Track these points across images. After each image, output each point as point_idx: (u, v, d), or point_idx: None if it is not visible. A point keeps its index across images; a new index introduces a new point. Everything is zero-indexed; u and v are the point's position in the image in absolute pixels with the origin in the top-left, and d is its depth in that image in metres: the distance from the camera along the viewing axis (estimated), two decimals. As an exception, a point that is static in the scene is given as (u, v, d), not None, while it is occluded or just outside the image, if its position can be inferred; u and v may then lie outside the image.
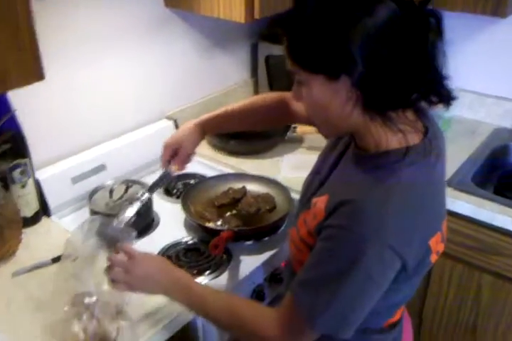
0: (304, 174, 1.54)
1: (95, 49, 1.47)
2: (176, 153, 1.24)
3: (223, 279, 1.24)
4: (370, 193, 0.81)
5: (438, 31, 0.78)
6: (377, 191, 0.81)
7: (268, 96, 1.29)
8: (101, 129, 1.57)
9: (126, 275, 0.97)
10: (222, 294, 1.01)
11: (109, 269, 0.99)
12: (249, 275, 1.27)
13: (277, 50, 1.96)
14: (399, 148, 0.84)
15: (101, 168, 1.49)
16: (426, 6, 0.79)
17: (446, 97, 0.84)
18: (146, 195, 1.20)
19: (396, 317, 1.02)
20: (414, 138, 0.85)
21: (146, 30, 1.61)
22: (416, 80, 0.79)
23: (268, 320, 0.88)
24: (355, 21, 0.75)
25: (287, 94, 1.17)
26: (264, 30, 2.03)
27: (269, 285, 1.36)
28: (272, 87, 2.04)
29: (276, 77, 2.02)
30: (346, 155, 0.95)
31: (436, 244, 0.88)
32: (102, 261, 1.13)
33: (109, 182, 1.43)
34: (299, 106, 1.15)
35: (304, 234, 0.91)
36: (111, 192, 1.38)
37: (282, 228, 1.42)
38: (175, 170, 1.24)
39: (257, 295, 1.30)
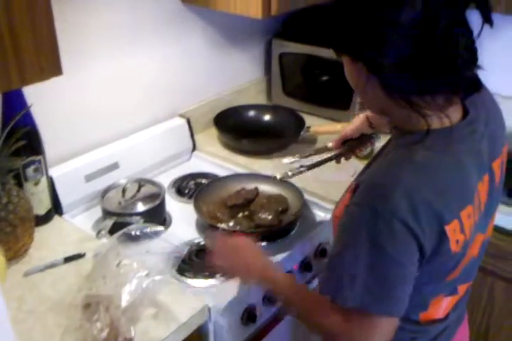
0: (316, 174, 1.54)
1: (111, 45, 1.47)
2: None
3: (235, 281, 1.22)
4: (384, 172, 0.86)
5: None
6: (390, 170, 0.85)
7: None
8: (114, 127, 1.56)
9: (226, 262, 1.08)
10: (302, 295, 1.01)
11: (208, 254, 1.10)
12: (261, 278, 1.26)
13: (291, 47, 1.94)
14: (421, 130, 0.85)
15: (114, 166, 1.48)
16: None
17: (471, 85, 0.86)
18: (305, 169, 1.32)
19: (436, 314, 1.00)
20: (442, 122, 0.86)
21: (162, 26, 1.59)
22: (436, 69, 0.80)
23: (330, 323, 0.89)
24: (383, 11, 0.78)
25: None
26: (279, 27, 2.01)
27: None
28: (284, 85, 2.03)
29: (289, 75, 2.01)
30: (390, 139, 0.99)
31: (454, 232, 0.86)
32: (116, 261, 1.14)
33: (122, 181, 1.42)
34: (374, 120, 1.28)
35: (338, 213, 0.96)
36: (124, 191, 1.37)
37: (295, 230, 1.41)
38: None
39: (269, 298, 1.29)
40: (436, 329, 1.02)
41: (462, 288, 1.02)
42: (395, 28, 0.78)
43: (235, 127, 1.79)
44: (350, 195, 0.90)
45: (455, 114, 0.88)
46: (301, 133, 1.77)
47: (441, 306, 0.99)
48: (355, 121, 1.34)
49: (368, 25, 0.80)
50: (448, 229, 0.84)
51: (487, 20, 0.81)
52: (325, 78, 1.95)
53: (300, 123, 1.80)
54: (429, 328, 1.01)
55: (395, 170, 0.84)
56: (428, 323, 1.00)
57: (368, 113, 1.31)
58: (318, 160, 1.35)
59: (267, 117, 1.90)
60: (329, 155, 1.36)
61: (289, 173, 1.33)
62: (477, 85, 0.88)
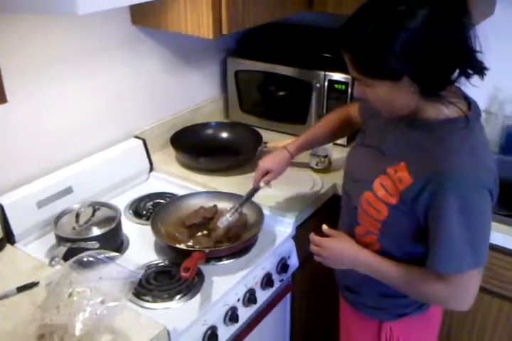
0: (275, 190, 1.54)
1: (59, 69, 1.45)
2: (266, 173, 1.43)
3: (195, 302, 1.21)
4: (456, 162, 0.99)
5: (466, 14, 0.94)
6: (460, 159, 0.99)
7: (338, 114, 1.48)
8: (67, 151, 1.54)
9: (325, 254, 1.21)
10: (398, 270, 1.13)
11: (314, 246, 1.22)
12: (222, 297, 1.25)
13: (246, 65, 1.97)
14: (458, 116, 1.02)
15: (68, 191, 1.46)
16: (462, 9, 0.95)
17: (480, 69, 0.99)
18: (239, 207, 1.41)
19: None
20: (465, 107, 1.04)
21: (113, 48, 1.59)
22: (457, 63, 0.97)
23: (438, 290, 1.08)
24: (399, 29, 0.91)
25: (349, 108, 1.45)
26: (234, 45, 2.03)
27: (244, 306, 1.34)
28: (241, 102, 2.04)
29: (246, 91, 2.03)
30: (400, 128, 1.10)
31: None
32: (69, 289, 1.11)
33: (76, 206, 1.39)
34: (354, 113, 1.39)
35: (384, 195, 1.09)
36: (77, 215, 1.34)
37: (255, 246, 1.40)
38: (263, 186, 1.44)
39: (231, 317, 1.28)
40: None
41: None
42: (426, 35, 0.92)
43: (192, 146, 1.78)
44: (408, 178, 1.03)
45: (464, 102, 1.06)
46: (259, 149, 1.78)
47: None
48: (277, 155, 1.46)
49: (395, 51, 0.93)
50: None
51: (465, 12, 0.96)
52: (281, 94, 1.97)
53: (257, 139, 1.80)
54: None
55: (465, 158, 1.00)
56: None
57: (288, 146, 1.46)
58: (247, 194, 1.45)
59: (224, 134, 1.91)
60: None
61: (229, 217, 1.40)
62: (484, 67, 1.00)
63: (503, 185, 1.79)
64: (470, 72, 0.99)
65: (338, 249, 1.21)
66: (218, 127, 1.92)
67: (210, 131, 1.91)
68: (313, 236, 1.22)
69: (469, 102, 1.08)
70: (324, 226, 1.24)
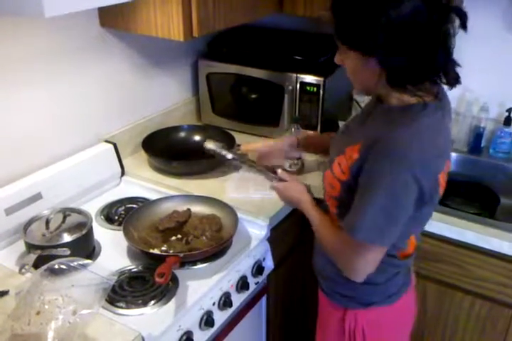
0: (248, 193, 1.55)
1: (24, 72, 1.42)
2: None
3: (170, 307, 1.20)
4: (397, 132, 1.02)
5: (455, 24, 0.99)
6: (402, 131, 1.02)
7: None
8: (35, 156, 1.51)
9: (282, 189, 1.36)
10: (329, 229, 1.20)
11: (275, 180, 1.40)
12: (197, 302, 1.24)
13: (218, 67, 1.96)
14: (417, 103, 1.05)
15: (37, 197, 1.42)
16: (450, 3, 0.98)
17: (453, 80, 1.05)
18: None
19: (408, 250, 1.22)
20: (429, 98, 1.07)
21: (81, 50, 1.56)
22: (428, 64, 1.00)
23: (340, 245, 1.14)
24: (382, 14, 0.95)
25: None
26: (205, 47, 2.02)
27: (220, 310, 1.33)
28: (213, 105, 2.03)
29: (218, 94, 2.02)
30: (373, 115, 1.15)
31: (443, 180, 1.11)
32: (40, 297, 1.09)
33: (46, 212, 1.36)
34: None
35: (338, 172, 1.14)
36: (47, 222, 1.31)
37: (230, 249, 1.40)
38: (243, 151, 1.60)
39: (206, 321, 1.27)
40: (409, 263, 1.28)
41: None
42: (404, 28, 0.95)
43: (165, 149, 1.77)
44: (356, 153, 1.07)
45: (435, 92, 1.09)
46: (232, 150, 1.76)
47: (412, 243, 1.22)
48: (283, 140, 1.56)
49: (371, 26, 0.97)
50: (440, 176, 1.07)
51: (464, 26, 1.00)
52: (253, 96, 1.97)
53: (230, 142, 1.80)
54: (406, 262, 1.25)
55: (406, 133, 1.02)
56: (404, 257, 1.22)
57: (299, 136, 1.53)
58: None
59: (196, 137, 1.89)
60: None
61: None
62: (458, 80, 1.06)
63: (471, 184, 1.85)
64: (443, 80, 1.05)
65: (295, 187, 1.34)
66: (190, 130, 1.91)
67: (182, 134, 1.90)
68: (282, 172, 1.39)
69: (438, 94, 1.10)
70: (279, 170, 1.40)
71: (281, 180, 1.39)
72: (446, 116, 1.12)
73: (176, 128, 1.90)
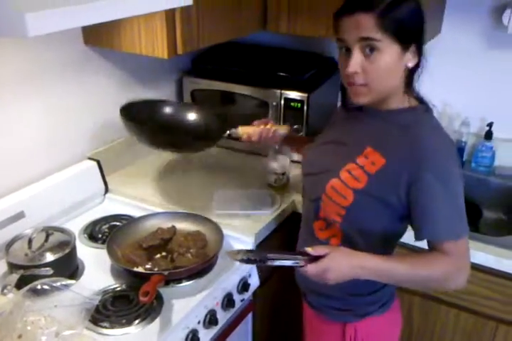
0: (235, 210, 1.54)
1: (7, 91, 1.41)
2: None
3: (155, 326, 1.19)
4: (428, 139, 1.09)
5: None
6: (429, 135, 1.10)
7: None
8: (17, 174, 1.49)
9: (330, 276, 1.09)
10: (406, 267, 1.12)
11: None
12: (182, 320, 1.23)
13: (203, 84, 1.97)
14: (419, 104, 1.14)
15: (19, 216, 1.41)
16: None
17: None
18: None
19: None
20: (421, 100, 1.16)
21: (66, 69, 1.56)
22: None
23: (445, 265, 1.10)
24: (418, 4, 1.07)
25: None
26: (189, 64, 2.04)
27: (205, 328, 1.32)
28: (198, 121, 2.03)
29: (202, 110, 2.02)
30: (364, 119, 1.18)
31: None
32: (22, 318, 1.07)
33: (28, 231, 1.34)
34: None
35: (350, 181, 1.14)
36: (30, 241, 1.29)
37: (215, 266, 1.39)
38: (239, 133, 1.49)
39: (191, 340, 1.25)
40: None
41: None
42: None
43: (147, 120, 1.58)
44: (382, 159, 1.11)
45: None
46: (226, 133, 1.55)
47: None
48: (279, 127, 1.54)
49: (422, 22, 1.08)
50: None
51: None
52: (238, 113, 1.98)
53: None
54: None
55: (435, 136, 1.11)
56: None
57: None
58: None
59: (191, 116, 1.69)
60: None
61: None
62: None
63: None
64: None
65: (344, 262, 1.09)
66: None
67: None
68: (307, 269, 1.08)
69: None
70: (309, 249, 1.09)
71: (315, 259, 1.08)
72: None
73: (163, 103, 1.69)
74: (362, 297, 1.24)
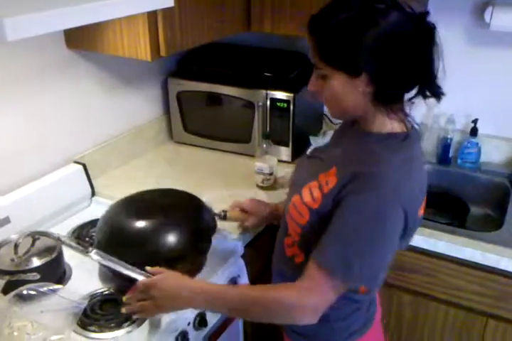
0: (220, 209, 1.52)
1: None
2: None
3: (144, 329, 1.18)
4: (385, 165, 0.99)
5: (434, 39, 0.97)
6: (390, 164, 1.00)
7: None
8: (2, 180, 1.48)
9: (151, 303, 1.09)
10: (238, 289, 1.12)
11: (126, 305, 1.13)
12: (171, 323, 1.22)
13: (188, 85, 1.97)
14: (401, 132, 1.04)
15: (5, 221, 1.39)
16: (427, 17, 0.97)
17: (438, 93, 1.02)
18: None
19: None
20: (408, 126, 1.06)
21: (48, 73, 1.55)
22: (417, 78, 0.99)
23: (296, 291, 1.01)
24: (365, 31, 0.93)
25: None
26: (174, 66, 2.03)
27: (195, 330, 1.32)
28: (185, 123, 2.03)
29: (189, 112, 2.02)
30: (347, 138, 1.14)
31: (419, 214, 1.09)
32: (9, 324, 1.06)
33: (14, 236, 1.33)
34: None
35: (308, 199, 1.07)
36: (16, 247, 1.28)
37: (204, 266, 1.39)
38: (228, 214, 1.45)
39: (181, 342, 1.25)
40: (372, 296, 1.22)
41: None
42: (394, 38, 0.94)
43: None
44: (334, 180, 1.02)
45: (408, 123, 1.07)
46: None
47: None
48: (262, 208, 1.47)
49: (358, 43, 0.94)
50: (419, 210, 1.07)
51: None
52: (224, 113, 1.98)
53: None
54: (367, 297, 1.19)
55: (394, 166, 1.00)
56: (367, 292, 1.16)
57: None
58: None
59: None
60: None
61: None
62: (442, 90, 1.03)
63: (441, 194, 1.88)
64: (428, 94, 1.01)
65: (172, 282, 1.10)
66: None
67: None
68: (138, 283, 1.13)
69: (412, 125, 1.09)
70: (148, 268, 1.14)
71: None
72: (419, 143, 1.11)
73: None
74: (324, 323, 1.06)
